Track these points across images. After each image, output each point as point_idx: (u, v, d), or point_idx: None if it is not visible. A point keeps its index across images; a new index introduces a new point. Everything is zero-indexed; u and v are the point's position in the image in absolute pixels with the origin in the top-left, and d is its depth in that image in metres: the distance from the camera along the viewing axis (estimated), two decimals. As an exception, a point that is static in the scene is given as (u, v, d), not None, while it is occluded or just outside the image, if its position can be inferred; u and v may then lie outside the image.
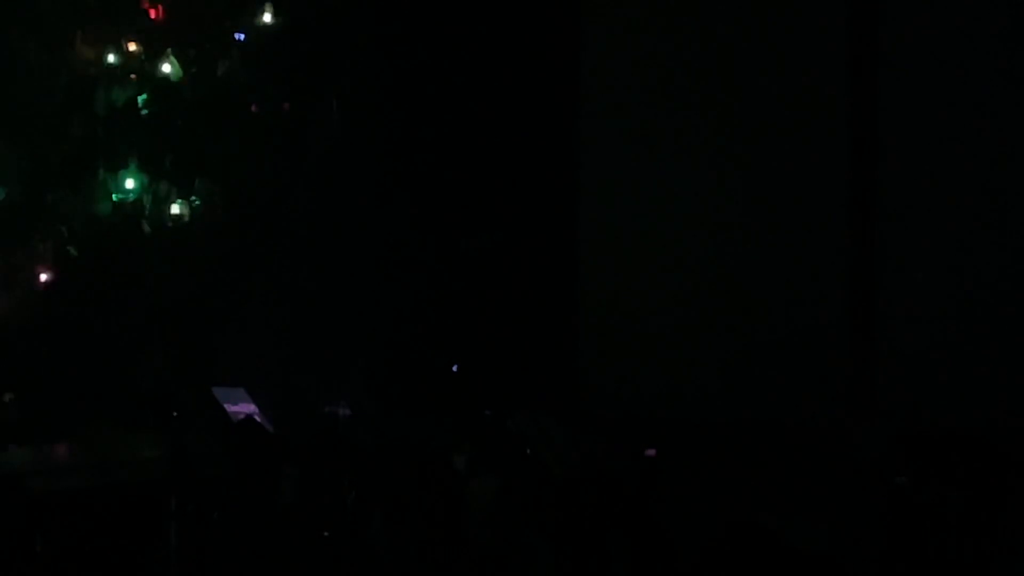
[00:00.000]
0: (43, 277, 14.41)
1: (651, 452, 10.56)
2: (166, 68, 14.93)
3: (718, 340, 14.30)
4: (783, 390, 14.08)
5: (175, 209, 14.69)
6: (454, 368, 13.32)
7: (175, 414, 11.47)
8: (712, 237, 14.34)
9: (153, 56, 15.06)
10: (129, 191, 14.78)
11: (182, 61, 15.09)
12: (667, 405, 13.99)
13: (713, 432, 13.01)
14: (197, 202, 14.79)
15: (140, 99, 14.99)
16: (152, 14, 15.35)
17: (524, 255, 14.68)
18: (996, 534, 8.73)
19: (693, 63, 14.48)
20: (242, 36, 15.26)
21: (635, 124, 14.68)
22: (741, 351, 14.24)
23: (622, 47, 14.80)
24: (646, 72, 14.67)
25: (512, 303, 14.57)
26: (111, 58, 14.90)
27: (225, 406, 11.70)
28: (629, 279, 14.66)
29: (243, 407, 11.70)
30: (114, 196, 14.72)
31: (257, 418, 11.42)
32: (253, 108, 15.10)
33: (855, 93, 13.78)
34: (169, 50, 14.96)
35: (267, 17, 15.26)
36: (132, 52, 15.07)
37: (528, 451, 10.31)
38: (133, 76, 14.95)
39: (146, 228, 14.58)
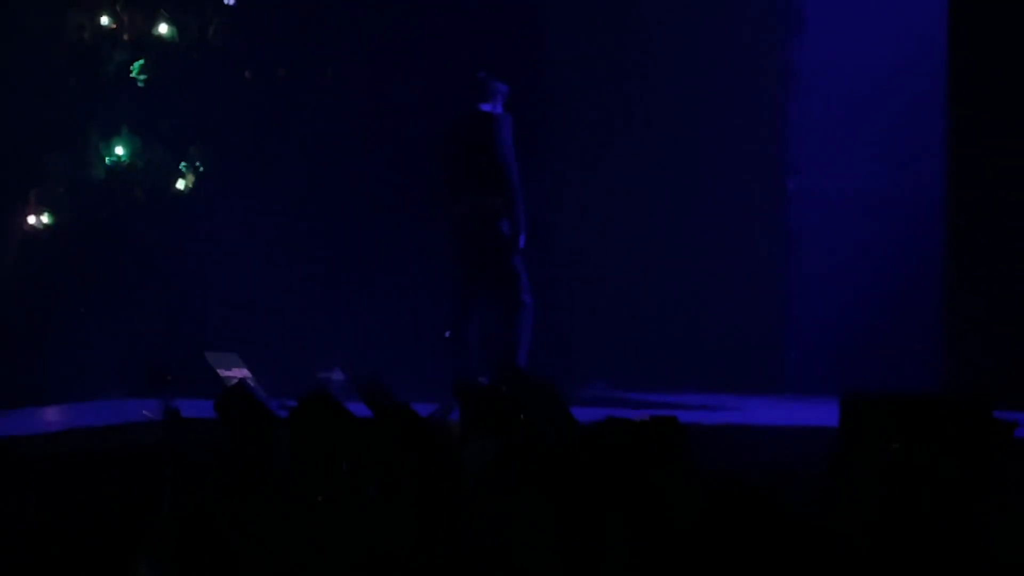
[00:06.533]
0: (34, 241, 14.39)
1: (645, 417, 10.54)
2: (163, 29, 14.87)
3: (688, 311, 14.47)
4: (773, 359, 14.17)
5: (169, 175, 14.70)
6: (447, 335, 13.34)
7: (168, 379, 11.46)
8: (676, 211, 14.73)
9: (146, 20, 15.01)
10: (121, 156, 14.75)
11: (176, 26, 15.03)
12: (643, 377, 14.16)
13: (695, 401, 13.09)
14: (197, 167, 14.79)
15: (134, 65, 14.95)
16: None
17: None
18: (989, 501, 8.73)
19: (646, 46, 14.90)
20: (232, 1, 15.22)
21: (598, 112, 15.05)
22: (714, 321, 14.38)
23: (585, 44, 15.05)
24: (609, 63, 15.06)
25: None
26: (104, 20, 14.85)
27: (217, 371, 11.69)
28: (597, 249, 15.03)
29: (236, 372, 11.69)
30: (107, 160, 14.70)
31: (250, 383, 11.40)
32: (247, 75, 15.09)
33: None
34: (163, 11, 14.90)
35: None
36: (126, 16, 15.01)
37: (522, 417, 10.29)
38: (127, 38, 14.91)
39: (139, 194, 14.57)
